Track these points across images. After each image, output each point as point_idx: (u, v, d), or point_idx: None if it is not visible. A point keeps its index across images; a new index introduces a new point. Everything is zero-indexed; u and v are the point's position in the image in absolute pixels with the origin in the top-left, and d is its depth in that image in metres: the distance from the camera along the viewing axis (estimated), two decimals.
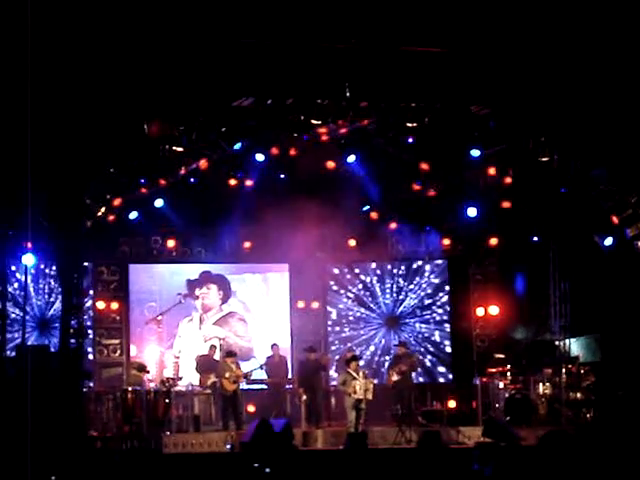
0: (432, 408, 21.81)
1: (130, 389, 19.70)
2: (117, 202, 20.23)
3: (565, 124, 19.79)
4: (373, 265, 24.31)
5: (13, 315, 20.84)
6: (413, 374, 21.54)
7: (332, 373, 23.03)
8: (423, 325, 24.03)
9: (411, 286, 24.12)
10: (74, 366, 18.97)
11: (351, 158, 21.35)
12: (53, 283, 22.16)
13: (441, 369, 23.84)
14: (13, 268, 20.77)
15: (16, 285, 21.26)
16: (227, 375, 20.43)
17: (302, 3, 17.51)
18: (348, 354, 21.61)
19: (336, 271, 24.36)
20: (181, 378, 21.21)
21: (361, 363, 21.41)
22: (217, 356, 21.94)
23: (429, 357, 23.88)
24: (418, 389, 22.25)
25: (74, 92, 18.05)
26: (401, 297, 24.15)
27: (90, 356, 22.44)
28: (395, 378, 20.91)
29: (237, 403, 20.55)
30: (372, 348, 24.04)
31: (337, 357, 23.33)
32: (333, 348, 23.93)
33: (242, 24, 17.63)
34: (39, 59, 16.97)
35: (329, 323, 24.29)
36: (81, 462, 16.13)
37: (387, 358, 23.30)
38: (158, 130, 19.25)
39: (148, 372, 20.64)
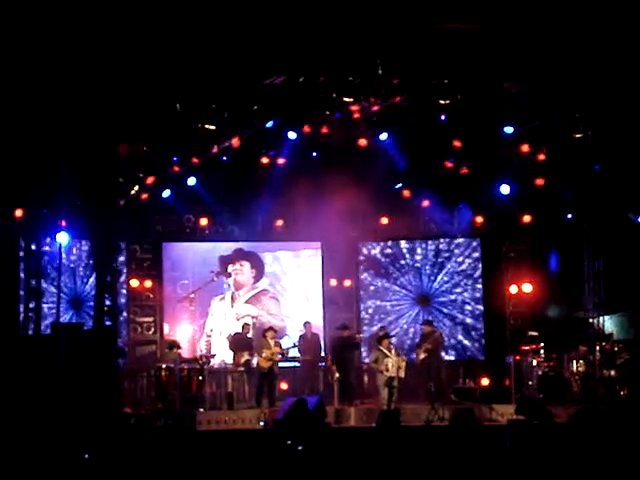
0: (465, 386, 21.80)
1: (164, 366, 19.83)
2: (150, 180, 20.33)
3: (599, 101, 19.65)
4: (405, 243, 24.28)
5: (47, 293, 20.94)
6: (442, 352, 21.60)
7: (364, 351, 23.06)
8: (455, 303, 23.98)
9: (444, 264, 24.07)
10: (108, 344, 19.11)
11: (383, 135, 21.25)
12: (87, 261, 22.25)
13: (474, 347, 23.79)
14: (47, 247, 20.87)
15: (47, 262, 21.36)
16: (264, 354, 20.48)
17: None
18: (380, 332, 21.66)
19: (368, 249, 24.35)
20: (214, 356, 21.32)
21: (393, 340, 21.42)
22: (250, 334, 22.00)
23: (462, 335, 23.84)
24: (451, 367, 22.32)
25: (107, 72, 18.12)
26: (434, 275, 24.11)
27: (124, 334, 22.57)
28: (422, 356, 21.02)
29: (272, 380, 20.62)
30: (404, 326, 24.03)
31: (369, 335, 23.38)
32: (365, 326, 23.94)
33: (274, 2, 17.60)
34: (72, 41, 17.04)
35: (361, 301, 24.28)
36: (115, 439, 16.21)
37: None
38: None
39: (180, 348, 20.78)
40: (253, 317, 23.43)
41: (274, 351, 20.69)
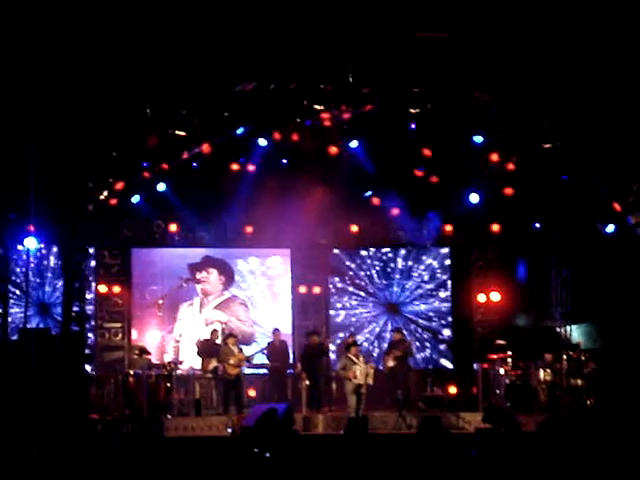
0: (432, 394, 21.84)
1: (131, 373, 19.77)
2: (119, 186, 20.23)
3: (568, 111, 19.75)
4: (375, 250, 24.29)
5: (14, 298, 20.82)
6: (410, 360, 21.62)
7: (333, 358, 23.02)
8: (424, 311, 24.01)
9: (413, 272, 24.11)
10: (76, 349, 19.01)
11: (353, 143, 21.25)
12: (55, 267, 22.13)
13: (442, 355, 23.85)
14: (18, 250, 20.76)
15: (18, 268, 21.24)
16: (231, 361, 20.47)
17: None
18: (349, 339, 21.68)
19: (338, 256, 24.34)
20: (182, 362, 21.25)
21: (361, 348, 21.45)
22: (219, 340, 21.95)
23: (430, 343, 23.89)
24: (418, 375, 22.34)
25: (76, 76, 18.04)
26: (402, 283, 24.13)
27: (91, 339, 22.46)
28: (391, 364, 21.00)
29: (239, 387, 20.59)
30: (373, 334, 24.03)
31: (338, 342, 23.39)
32: (334, 333, 23.91)
33: (245, 8, 17.59)
34: (41, 43, 16.97)
35: (330, 308, 24.26)
36: (82, 445, 16.15)
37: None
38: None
39: (150, 354, 20.71)
40: (222, 323, 23.35)
41: (241, 357, 20.68)
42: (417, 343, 23.36)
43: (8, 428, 16.11)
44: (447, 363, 23.79)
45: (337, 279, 24.31)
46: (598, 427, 16.09)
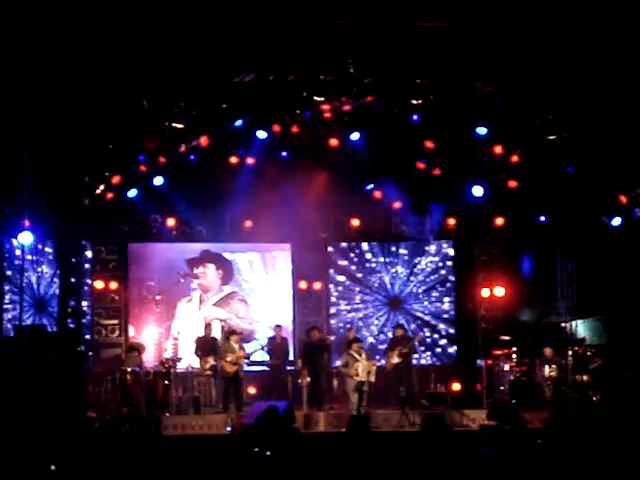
0: (436, 390, 21.65)
1: (129, 370, 19.53)
2: (116, 180, 20.09)
3: (573, 102, 19.56)
4: (377, 245, 24.00)
5: (10, 294, 20.54)
6: (414, 356, 21.38)
7: (334, 354, 22.75)
8: (427, 306, 23.73)
9: (415, 266, 23.82)
10: (72, 346, 18.81)
11: (355, 135, 21.02)
12: (51, 262, 21.84)
13: (445, 351, 23.56)
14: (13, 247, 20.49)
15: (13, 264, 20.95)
16: (228, 358, 20.21)
17: None
18: (350, 335, 21.40)
19: (339, 251, 24.05)
20: (180, 359, 20.97)
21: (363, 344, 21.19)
22: (215, 334, 21.62)
23: (433, 339, 23.60)
24: (422, 371, 22.12)
25: (71, 68, 17.84)
26: (405, 278, 23.85)
27: (88, 336, 22.18)
28: (395, 361, 20.80)
29: (238, 385, 20.35)
30: (375, 329, 23.76)
31: (339, 338, 23.11)
32: (335, 329, 23.63)
33: None
34: (35, 35, 16.72)
35: (331, 304, 23.97)
36: (79, 443, 15.91)
37: None
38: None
39: (139, 351, 20.40)
40: (222, 320, 23.07)
41: (239, 355, 20.41)
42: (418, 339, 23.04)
43: (3, 427, 15.89)
44: (451, 359, 23.47)
45: (338, 274, 24.02)
46: (604, 423, 15.83)
